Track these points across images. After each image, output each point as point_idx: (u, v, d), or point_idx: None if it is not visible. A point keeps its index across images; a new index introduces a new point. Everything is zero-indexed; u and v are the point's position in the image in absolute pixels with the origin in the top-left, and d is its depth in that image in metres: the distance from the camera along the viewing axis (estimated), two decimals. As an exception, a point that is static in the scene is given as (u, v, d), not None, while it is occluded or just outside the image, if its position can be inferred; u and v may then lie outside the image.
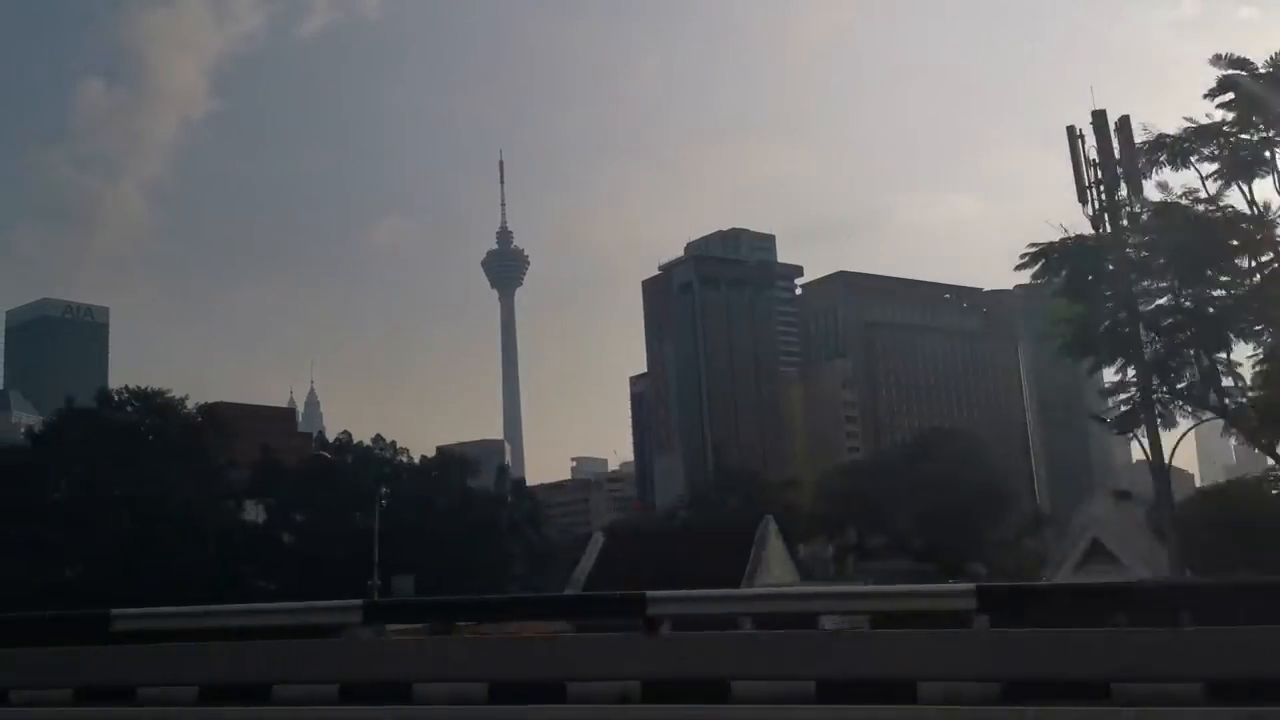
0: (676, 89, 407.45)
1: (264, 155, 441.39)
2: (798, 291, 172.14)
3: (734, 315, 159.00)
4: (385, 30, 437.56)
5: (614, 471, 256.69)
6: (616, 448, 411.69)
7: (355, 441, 71.50)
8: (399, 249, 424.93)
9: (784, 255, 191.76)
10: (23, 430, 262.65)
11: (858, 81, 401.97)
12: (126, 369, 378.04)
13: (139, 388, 66.01)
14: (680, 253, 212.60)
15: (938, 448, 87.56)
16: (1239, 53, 23.71)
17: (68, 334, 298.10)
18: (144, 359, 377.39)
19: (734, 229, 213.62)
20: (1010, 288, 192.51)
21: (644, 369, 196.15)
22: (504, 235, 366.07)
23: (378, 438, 69.07)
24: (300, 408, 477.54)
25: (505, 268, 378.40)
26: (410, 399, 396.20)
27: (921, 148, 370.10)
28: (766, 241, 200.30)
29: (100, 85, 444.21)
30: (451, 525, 55.32)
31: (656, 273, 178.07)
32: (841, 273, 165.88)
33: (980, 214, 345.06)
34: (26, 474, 58.07)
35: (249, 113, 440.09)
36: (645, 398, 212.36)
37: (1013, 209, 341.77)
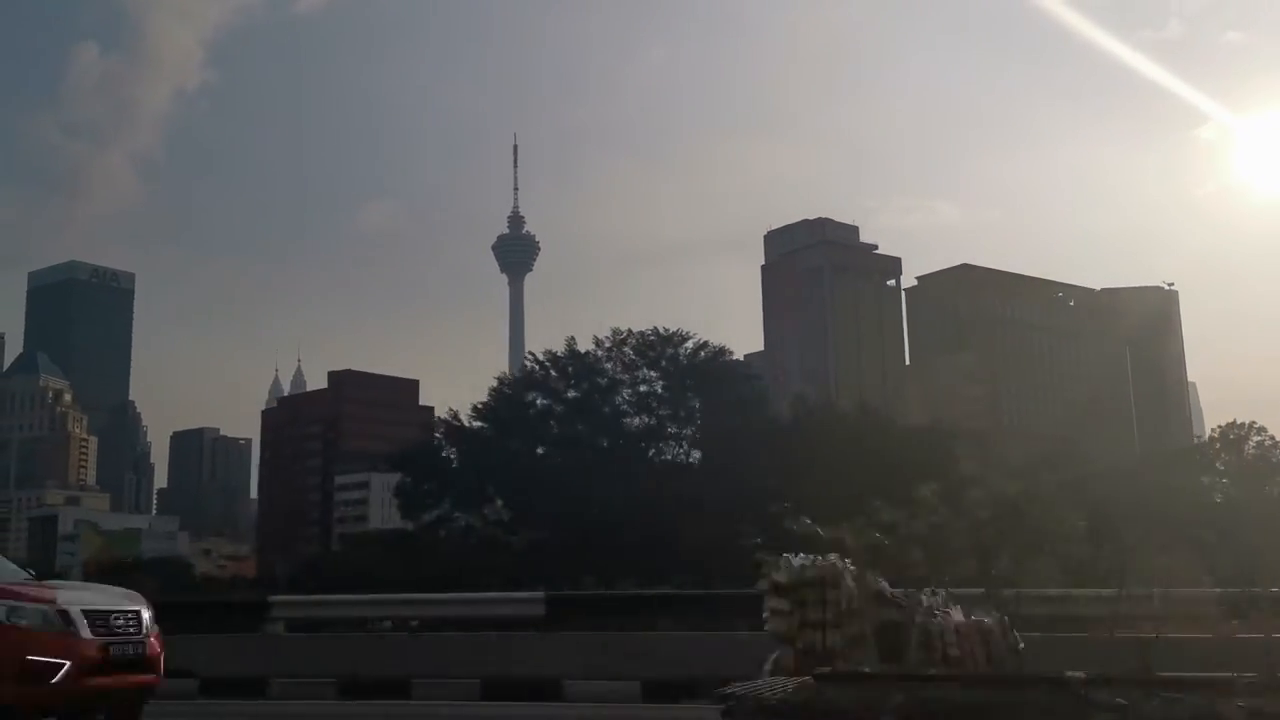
0: (676, 84, 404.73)
1: (258, 130, 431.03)
2: (913, 282, 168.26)
3: (862, 302, 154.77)
4: (387, 8, 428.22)
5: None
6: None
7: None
8: (393, 232, 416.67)
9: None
10: (49, 391, 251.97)
11: (851, 80, 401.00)
12: (151, 337, 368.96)
13: (663, 330, 59.20)
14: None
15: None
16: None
17: (93, 298, 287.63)
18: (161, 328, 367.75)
19: (820, 218, 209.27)
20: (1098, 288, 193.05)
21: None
22: (515, 219, 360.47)
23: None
24: (286, 388, 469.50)
25: (516, 252, 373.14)
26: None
27: (910, 151, 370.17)
28: (850, 232, 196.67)
29: (94, 50, 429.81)
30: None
31: (765, 254, 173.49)
32: (965, 265, 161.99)
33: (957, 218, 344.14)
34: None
35: (244, 86, 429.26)
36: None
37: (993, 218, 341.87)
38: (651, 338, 57.87)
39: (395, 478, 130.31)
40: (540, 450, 57.14)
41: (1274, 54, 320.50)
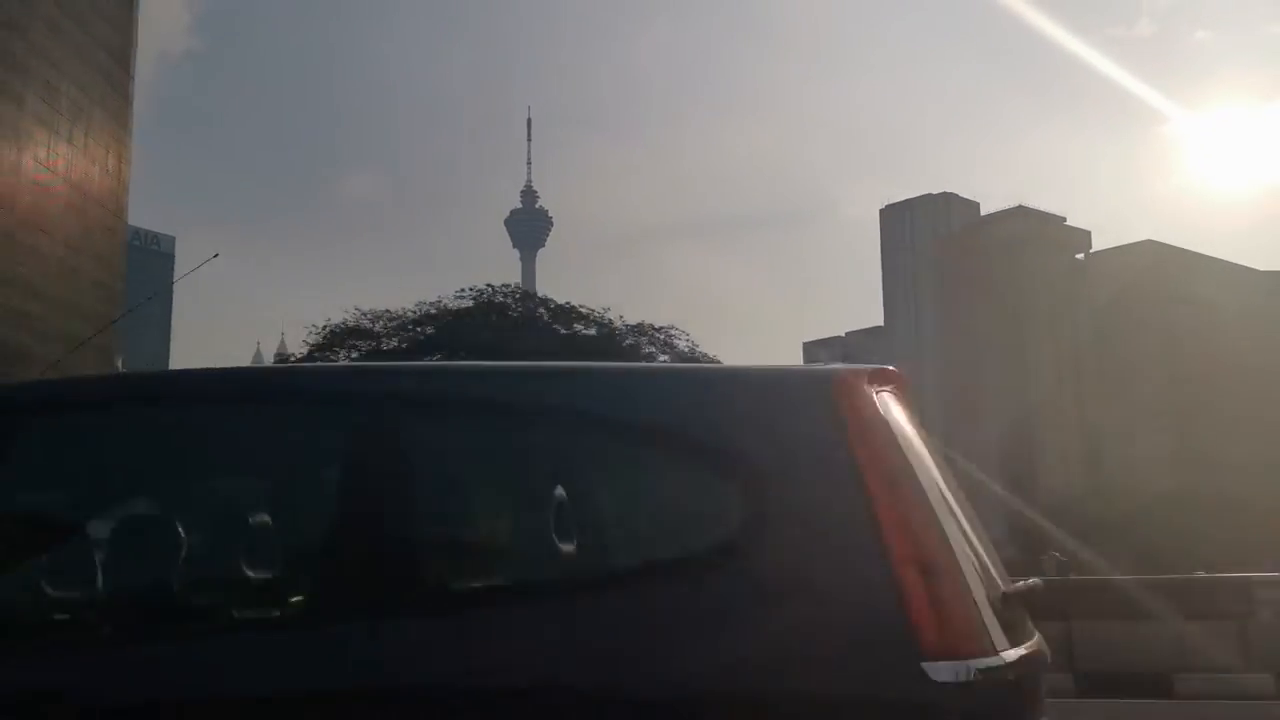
0: (666, 64, 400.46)
1: (250, 98, 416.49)
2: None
3: (1055, 277, 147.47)
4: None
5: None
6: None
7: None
8: (390, 204, 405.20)
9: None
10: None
11: (828, 69, 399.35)
12: (191, 304, 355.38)
13: None
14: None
15: None
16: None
17: (132, 262, 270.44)
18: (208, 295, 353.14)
19: (944, 193, 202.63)
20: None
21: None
22: (529, 194, 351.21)
23: None
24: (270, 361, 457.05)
25: (529, 228, 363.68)
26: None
27: (879, 138, 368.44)
28: (972, 209, 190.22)
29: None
30: None
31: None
32: (1148, 240, 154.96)
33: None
34: None
35: (233, 53, 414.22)
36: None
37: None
38: None
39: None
40: None
41: (1241, 52, 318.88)
